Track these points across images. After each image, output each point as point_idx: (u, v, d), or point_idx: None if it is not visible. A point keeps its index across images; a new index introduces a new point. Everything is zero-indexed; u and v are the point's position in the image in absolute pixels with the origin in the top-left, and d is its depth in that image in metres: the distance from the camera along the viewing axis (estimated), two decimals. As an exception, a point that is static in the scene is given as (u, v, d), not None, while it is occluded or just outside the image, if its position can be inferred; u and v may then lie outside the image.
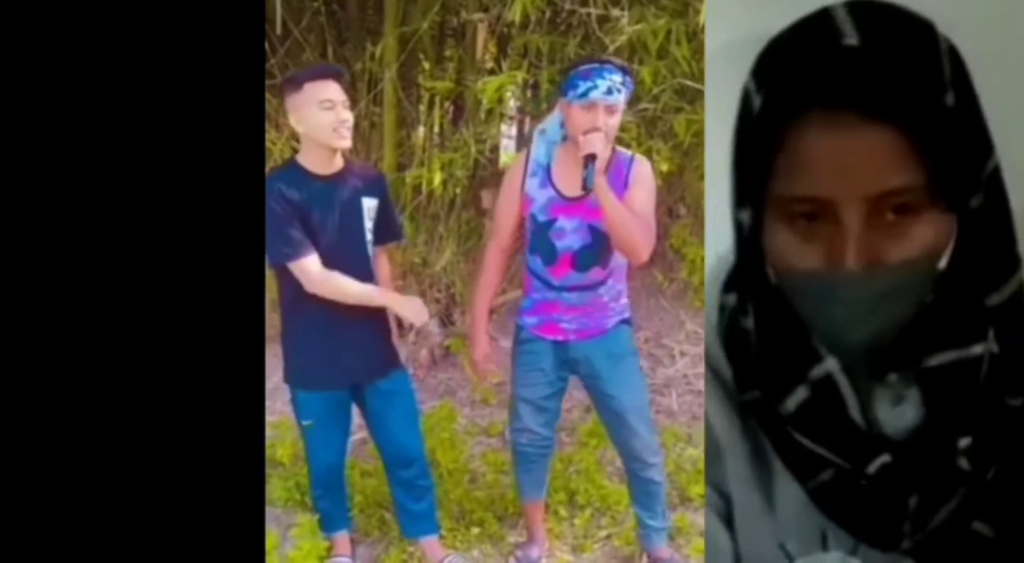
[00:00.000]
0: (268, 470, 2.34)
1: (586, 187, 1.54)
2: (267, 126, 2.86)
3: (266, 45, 2.88)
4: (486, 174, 3.17)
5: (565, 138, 1.64)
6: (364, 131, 2.99)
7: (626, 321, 1.79)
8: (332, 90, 1.59)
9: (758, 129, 0.82)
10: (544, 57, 2.59)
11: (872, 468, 0.88)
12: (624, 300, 1.78)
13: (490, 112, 2.85)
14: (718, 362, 0.95)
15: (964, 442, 0.87)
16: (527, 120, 3.66)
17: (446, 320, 3.04)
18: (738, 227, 0.88)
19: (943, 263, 0.83)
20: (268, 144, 2.89)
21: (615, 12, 2.20)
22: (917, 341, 0.87)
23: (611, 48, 2.16)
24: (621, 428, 1.78)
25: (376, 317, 1.72)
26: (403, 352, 1.87)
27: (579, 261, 1.66)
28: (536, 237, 1.68)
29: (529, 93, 3.15)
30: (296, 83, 1.62)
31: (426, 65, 3.25)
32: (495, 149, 3.36)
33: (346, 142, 1.62)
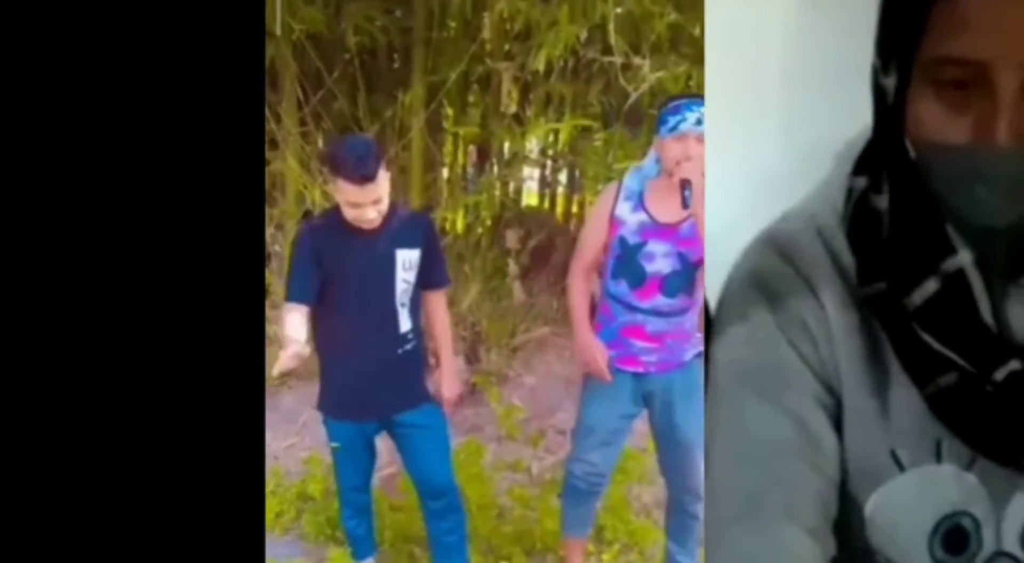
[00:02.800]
0: (300, 505, 2.38)
1: (686, 205, 1.57)
2: (289, 157, 2.99)
3: (299, 94, 3.04)
4: (510, 215, 3.27)
5: (659, 174, 1.69)
6: (393, 175, 3.09)
7: (700, 354, 1.79)
8: (361, 193, 1.56)
9: None
10: (567, 104, 2.69)
11: (999, 375, 0.81)
12: (700, 333, 1.78)
13: (515, 155, 2.96)
14: (839, 252, 0.89)
15: None
16: (548, 163, 3.77)
17: (472, 358, 3.09)
18: (880, 95, 0.82)
19: None
20: (301, 188, 3.01)
21: (636, 60, 2.29)
22: None
23: (633, 96, 2.25)
24: (682, 460, 1.78)
25: (410, 354, 1.77)
26: (430, 389, 1.91)
27: (668, 286, 1.69)
28: (623, 261, 1.71)
29: (551, 137, 3.25)
30: (332, 171, 1.62)
31: (450, 111, 3.38)
32: (518, 191, 3.47)
33: (371, 225, 1.64)
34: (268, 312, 3.19)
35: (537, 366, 3.10)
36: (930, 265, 0.83)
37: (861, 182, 0.88)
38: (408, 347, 1.76)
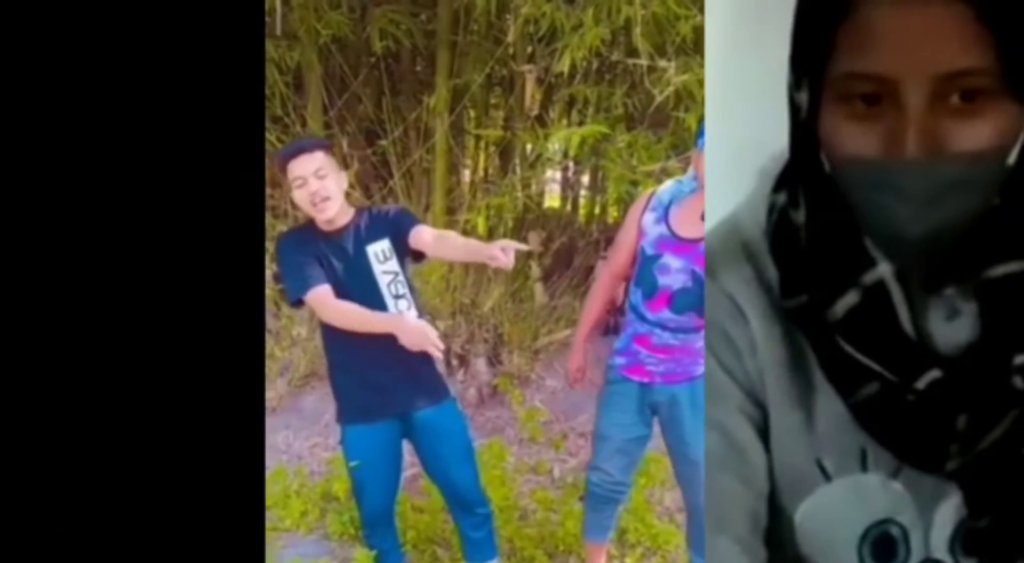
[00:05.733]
0: (324, 505, 2.40)
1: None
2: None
3: (324, 97, 3.07)
4: (532, 217, 3.27)
5: (695, 191, 1.70)
6: (416, 177, 3.11)
7: None
8: (301, 166, 1.64)
9: None
10: (591, 106, 2.69)
11: (921, 383, 0.82)
12: None
13: (538, 157, 2.96)
14: (763, 266, 0.90)
15: (1021, 359, 0.81)
16: (571, 165, 3.77)
17: (494, 359, 3.10)
18: (794, 111, 0.83)
19: (1011, 161, 0.77)
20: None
21: (662, 63, 2.29)
22: (978, 248, 0.82)
23: (658, 98, 2.25)
24: (692, 475, 1.78)
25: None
26: (452, 390, 1.91)
27: (676, 301, 1.70)
28: (641, 269, 1.74)
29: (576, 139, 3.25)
30: (280, 166, 1.69)
31: (472, 113, 3.39)
32: (541, 193, 3.47)
33: (326, 215, 1.67)
34: (280, 316, 3.24)
35: (559, 368, 3.10)
36: (850, 278, 0.84)
37: (782, 198, 0.90)
38: None
